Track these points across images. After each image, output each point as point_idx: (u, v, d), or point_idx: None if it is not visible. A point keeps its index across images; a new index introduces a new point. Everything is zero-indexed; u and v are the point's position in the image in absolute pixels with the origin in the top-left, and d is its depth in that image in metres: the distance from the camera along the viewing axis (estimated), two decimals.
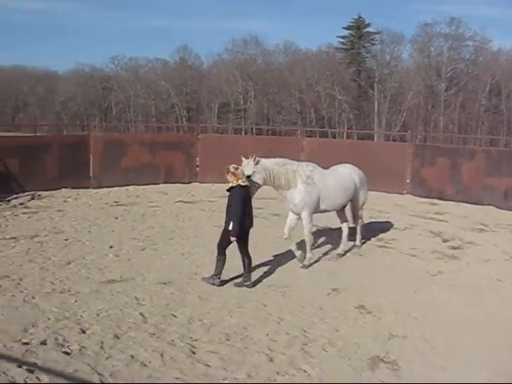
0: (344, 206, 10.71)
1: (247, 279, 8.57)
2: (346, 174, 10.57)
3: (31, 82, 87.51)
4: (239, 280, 8.69)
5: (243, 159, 9.26)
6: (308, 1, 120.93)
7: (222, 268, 8.51)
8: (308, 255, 9.79)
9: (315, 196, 9.69)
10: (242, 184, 8.53)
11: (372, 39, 71.57)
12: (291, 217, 9.90)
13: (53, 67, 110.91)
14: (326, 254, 10.49)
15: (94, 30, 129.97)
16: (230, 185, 8.58)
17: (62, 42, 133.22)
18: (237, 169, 8.64)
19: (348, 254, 10.58)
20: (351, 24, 71.91)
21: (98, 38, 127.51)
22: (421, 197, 16.81)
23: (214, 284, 8.44)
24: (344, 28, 72.73)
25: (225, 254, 8.54)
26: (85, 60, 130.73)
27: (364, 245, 11.23)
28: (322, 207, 9.96)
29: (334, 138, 49.91)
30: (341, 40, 72.91)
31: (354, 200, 10.75)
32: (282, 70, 74.20)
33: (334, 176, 10.31)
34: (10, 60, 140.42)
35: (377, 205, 15.54)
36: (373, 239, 11.73)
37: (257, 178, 9.14)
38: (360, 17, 71.22)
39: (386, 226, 12.97)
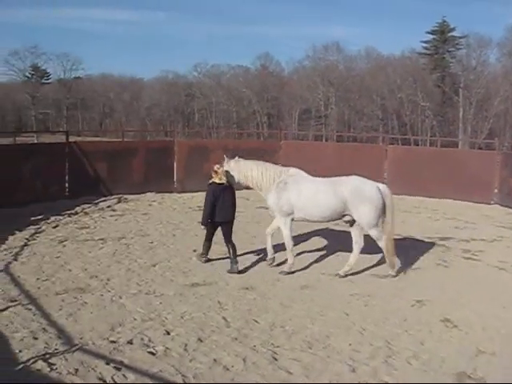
0: (350, 223, 9.78)
1: (234, 264, 9.48)
2: (329, 187, 9.64)
3: (117, 89, 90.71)
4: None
5: (225, 158, 10.01)
6: (390, 6, 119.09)
7: (207, 251, 10.01)
8: (289, 261, 9.65)
9: (285, 201, 9.53)
10: (218, 181, 9.62)
11: (457, 43, 69.51)
12: (275, 219, 9.96)
13: (138, 75, 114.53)
14: (411, 264, 10.22)
15: (178, 38, 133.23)
16: (210, 181, 9.76)
17: (147, 50, 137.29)
18: (219, 168, 9.69)
19: (432, 264, 10.28)
20: (435, 28, 70.22)
21: (181, 45, 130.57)
22: (509, 207, 16.12)
23: (201, 261, 9.97)
24: (427, 33, 71.10)
25: (210, 240, 9.94)
26: (169, 67, 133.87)
27: (450, 256, 10.87)
28: (300, 215, 9.64)
29: (417, 145, 48.93)
30: (424, 45, 71.36)
31: (351, 216, 9.60)
32: (363, 76, 73.30)
33: (312, 186, 9.71)
34: (97, 68, 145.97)
35: (463, 215, 15.12)
36: (459, 250, 11.34)
37: (231, 177, 9.86)
38: (444, 21, 69.44)
39: (472, 237, 12.52)
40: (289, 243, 9.71)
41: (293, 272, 9.55)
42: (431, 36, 70.72)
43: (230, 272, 9.41)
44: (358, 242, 9.67)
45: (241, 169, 9.89)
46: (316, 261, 10.25)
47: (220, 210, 9.57)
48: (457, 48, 69.63)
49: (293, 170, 10.05)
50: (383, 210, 9.51)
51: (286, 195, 9.55)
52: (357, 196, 9.37)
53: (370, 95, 70.27)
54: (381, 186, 9.80)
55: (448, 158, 18.02)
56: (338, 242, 11.70)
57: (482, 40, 66.12)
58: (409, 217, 14.91)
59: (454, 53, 69.94)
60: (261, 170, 9.83)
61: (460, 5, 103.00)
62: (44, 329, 6.80)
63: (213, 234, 9.90)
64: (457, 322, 7.48)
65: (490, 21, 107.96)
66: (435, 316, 7.69)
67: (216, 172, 9.65)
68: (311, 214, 9.59)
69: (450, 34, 69.37)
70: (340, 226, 13.22)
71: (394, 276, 9.42)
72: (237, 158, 10.00)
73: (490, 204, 16.70)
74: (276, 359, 6.21)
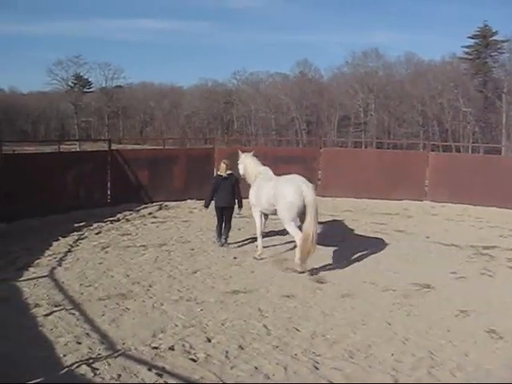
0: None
1: (225, 240, 11.72)
2: (271, 184, 10.52)
3: (158, 98, 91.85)
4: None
5: (239, 152, 12.10)
6: (430, 11, 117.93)
7: (219, 234, 11.80)
8: (258, 249, 10.98)
9: (253, 196, 11.06)
10: (219, 173, 11.90)
11: (499, 48, 68.17)
12: None
13: (178, 83, 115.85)
14: (453, 272, 10.04)
15: (217, 46, 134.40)
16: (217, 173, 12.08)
17: (187, 58, 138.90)
18: (225, 162, 11.83)
19: (477, 274, 10.06)
20: (477, 33, 69.08)
21: (220, 53, 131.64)
22: None
23: (221, 244, 11.65)
24: (469, 37, 69.98)
25: (220, 225, 11.80)
26: (208, 75, 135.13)
27: (494, 265, 10.63)
28: (260, 207, 10.97)
29: (459, 151, 48.14)
30: (465, 50, 70.21)
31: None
32: (403, 82, 72.52)
33: (264, 183, 10.77)
34: (138, 77, 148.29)
35: (507, 223, 14.82)
36: (504, 259, 11.08)
37: (240, 168, 11.90)
38: (486, 25, 68.23)
39: None
40: (258, 232, 11.13)
41: (261, 259, 10.70)
42: (472, 40, 69.58)
43: (220, 245, 11.62)
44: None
45: (245, 165, 11.65)
46: (357, 269, 10.16)
47: (219, 196, 11.61)
48: (499, 52, 68.29)
49: (262, 169, 11.37)
50: (302, 209, 9.73)
51: (252, 189, 11.16)
52: (277, 192, 10.15)
53: (410, 101, 69.46)
54: (304, 185, 9.90)
55: (492, 164, 17.69)
56: (378, 249, 11.63)
57: None
58: (452, 225, 14.69)
59: (497, 57, 68.66)
60: (255, 167, 11.42)
61: (502, 8, 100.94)
62: (87, 334, 6.90)
63: (221, 218, 11.76)
64: (502, 333, 7.28)
65: None
66: (480, 327, 7.50)
67: (225, 165, 11.74)
68: (262, 207, 10.86)
69: (491, 39, 68.13)
70: (380, 233, 13.18)
71: (301, 272, 9.66)
72: (250, 153, 11.86)
73: None
74: (317, 368, 6.16)
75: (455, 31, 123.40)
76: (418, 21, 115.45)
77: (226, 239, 11.77)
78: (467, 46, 69.95)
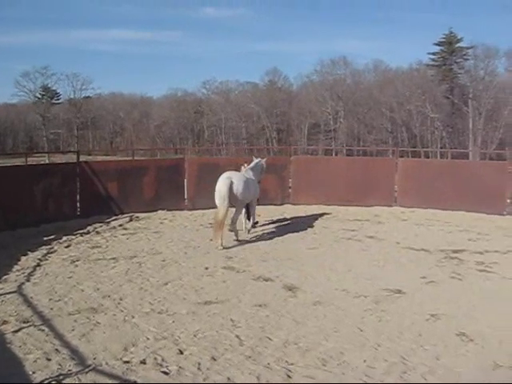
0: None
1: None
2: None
3: (127, 108, 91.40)
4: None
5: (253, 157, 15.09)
6: (396, 19, 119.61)
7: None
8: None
9: None
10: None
11: (465, 54, 69.58)
12: None
13: (147, 93, 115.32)
14: (423, 277, 10.15)
15: (186, 56, 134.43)
16: None
17: (156, 68, 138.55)
18: (243, 165, 14.39)
19: (446, 277, 10.18)
20: (442, 40, 70.35)
21: (189, 63, 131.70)
22: None
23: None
24: (435, 44, 71.31)
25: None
26: (177, 85, 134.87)
27: (464, 269, 10.77)
28: None
29: (427, 157, 48.81)
30: (432, 57, 71.50)
31: None
32: (371, 90, 73.42)
33: None
34: (107, 88, 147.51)
35: (476, 227, 15.03)
36: (473, 263, 11.23)
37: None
38: (451, 32, 69.64)
39: (486, 249, 12.41)
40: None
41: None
42: (438, 47, 70.97)
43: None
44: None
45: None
46: (328, 276, 10.20)
47: None
48: (464, 59, 69.75)
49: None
50: (225, 197, 12.49)
51: None
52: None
53: (379, 108, 70.34)
54: (229, 179, 12.68)
55: (459, 169, 17.95)
56: (349, 256, 11.71)
57: (489, 50, 66.17)
58: (421, 230, 14.84)
59: (462, 64, 70.02)
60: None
61: (466, 16, 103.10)
62: (57, 350, 6.77)
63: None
64: (472, 336, 7.36)
65: (497, 31, 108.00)
66: (450, 330, 7.58)
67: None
68: None
69: (457, 45, 69.59)
70: (351, 240, 13.27)
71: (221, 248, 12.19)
72: (262, 159, 15.04)
73: (502, 215, 16.57)
74: (290, 377, 6.14)
75: (421, 38, 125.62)
76: (385, 29, 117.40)
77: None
78: (433, 53, 71.41)
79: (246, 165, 14.54)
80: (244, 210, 13.93)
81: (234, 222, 12.89)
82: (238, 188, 12.71)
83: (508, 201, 16.93)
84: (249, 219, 14.29)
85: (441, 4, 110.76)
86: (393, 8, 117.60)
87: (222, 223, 12.35)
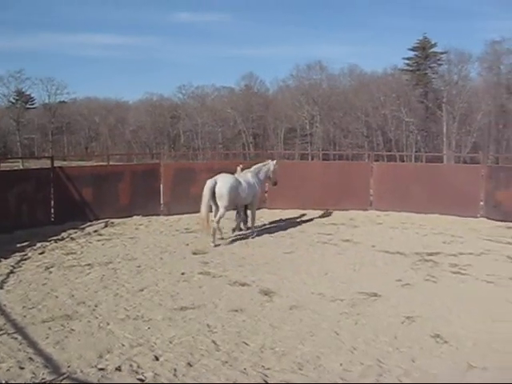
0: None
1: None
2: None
3: (103, 113, 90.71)
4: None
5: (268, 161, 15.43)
6: (371, 24, 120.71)
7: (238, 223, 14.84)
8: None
9: None
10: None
11: (438, 59, 70.53)
12: None
13: (123, 98, 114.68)
14: (399, 280, 10.22)
15: (162, 60, 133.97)
16: None
17: (131, 73, 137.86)
18: (238, 166, 15.01)
19: (421, 280, 10.28)
20: (416, 45, 71.18)
21: (165, 68, 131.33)
22: (496, 220, 16.20)
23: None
24: (409, 49, 72.12)
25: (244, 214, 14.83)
26: (153, 90, 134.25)
27: (438, 271, 10.88)
28: None
29: (403, 161, 49.17)
30: (406, 61, 72.27)
31: None
32: (347, 94, 73.95)
33: None
34: (82, 92, 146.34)
35: (450, 229, 15.21)
36: (447, 265, 11.35)
37: None
38: (425, 37, 70.50)
39: (460, 252, 12.55)
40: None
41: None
42: (413, 52, 71.79)
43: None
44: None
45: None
46: (304, 280, 10.22)
47: None
48: (438, 64, 70.68)
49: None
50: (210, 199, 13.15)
51: None
52: None
53: (355, 112, 70.85)
54: (214, 181, 13.24)
55: (433, 172, 18.11)
56: (325, 259, 11.75)
57: (462, 55, 67.12)
58: (396, 233, 14.97)
59: (436, 68, 70.96)
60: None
61: (440, 21, 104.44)
62: (31, 358, 6.68)
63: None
64: (447, 338, 7.44)
65: (470, 36, 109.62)
66: (426, 332, 7.65)
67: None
68: None
69: (431, 50, 70.44)
70: (327, 243, 13.33)
71: (215, 246, 12.93)
72: (273, 161, 15.34)
73: (476, 217, 16.78)
74: (266, 382, 6.14)
75: (396, 43, 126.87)
76: (360, 34, 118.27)
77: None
78: (408, 58, 72.18)
79: (241, 166, 14.95)
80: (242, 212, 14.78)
81: (217, 221, 13.23)
82: (220, 189, 13.08)
83: (481, 203, 17.13)
84: (245, 222, 14.36)
85: (415, 9, 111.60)
86: (368, 13, 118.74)
87: (205, 221, 13.04)
